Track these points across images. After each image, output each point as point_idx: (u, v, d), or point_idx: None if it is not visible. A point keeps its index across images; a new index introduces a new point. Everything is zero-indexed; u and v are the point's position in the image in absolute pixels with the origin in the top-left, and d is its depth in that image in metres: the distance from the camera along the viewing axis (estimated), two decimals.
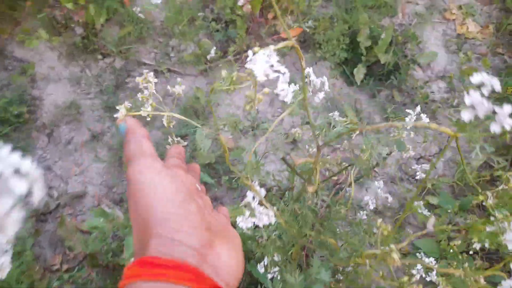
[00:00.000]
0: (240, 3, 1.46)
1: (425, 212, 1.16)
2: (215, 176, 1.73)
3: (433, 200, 1.73)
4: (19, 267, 1.25)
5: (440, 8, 2.03)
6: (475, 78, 0.40)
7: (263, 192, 0.73)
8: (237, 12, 1.65)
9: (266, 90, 0.49)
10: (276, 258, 0.99)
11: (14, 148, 0.28)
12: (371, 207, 1.84)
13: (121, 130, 0.42)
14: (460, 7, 2.00)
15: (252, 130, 1.83)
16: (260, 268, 0.96)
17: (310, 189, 0.83)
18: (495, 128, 0.38)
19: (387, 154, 0.87)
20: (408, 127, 0.75)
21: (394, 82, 1.88)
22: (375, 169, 1.85)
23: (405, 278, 0.73)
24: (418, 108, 0.83)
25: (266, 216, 0.74)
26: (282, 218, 0.80)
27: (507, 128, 0.38)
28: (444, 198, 1.64)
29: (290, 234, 0.95)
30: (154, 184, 0.36)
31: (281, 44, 0.49)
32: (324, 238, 0.94)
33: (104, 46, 1.88)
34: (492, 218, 0.74)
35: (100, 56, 1.90)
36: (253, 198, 0.75)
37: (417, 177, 1.67)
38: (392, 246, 0.70)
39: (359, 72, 1.84)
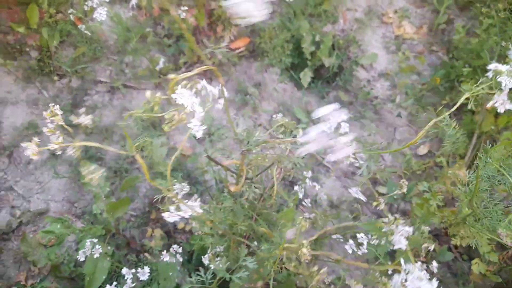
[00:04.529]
0: (182, 17, 1.56)
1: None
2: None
3: (383, 190, 1.84)
4: None
5: (378, 13, 2.18)
6: None
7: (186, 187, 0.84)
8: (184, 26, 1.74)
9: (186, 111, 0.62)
10: (218, 249, 1.07)
11: None
12: (326, 203, 1.94)
13: None
14: (396, 11, 2.16)
15: (209, 137, 1.91)
16: (205, 260, 1.04)
17: (232, 188, 0.93)
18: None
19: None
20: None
21: (340, 83, 2.00)
22: (329, 165, 1.96)
23: (315, 268, 0.82)
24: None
25: (191, 210, 0.83)
26: (208, 216, 0.89)
27: None
28: (391, 187, 1.76)
29: (229, 228, 1.03)
30: None
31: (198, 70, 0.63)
32: (257, 228, 1.03)
33: (59, 67, 1.94)
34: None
35: (56, 77, 1.96)
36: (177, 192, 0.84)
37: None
38: (304, 241, 0.78)
39: (306, 76, 1.95)
